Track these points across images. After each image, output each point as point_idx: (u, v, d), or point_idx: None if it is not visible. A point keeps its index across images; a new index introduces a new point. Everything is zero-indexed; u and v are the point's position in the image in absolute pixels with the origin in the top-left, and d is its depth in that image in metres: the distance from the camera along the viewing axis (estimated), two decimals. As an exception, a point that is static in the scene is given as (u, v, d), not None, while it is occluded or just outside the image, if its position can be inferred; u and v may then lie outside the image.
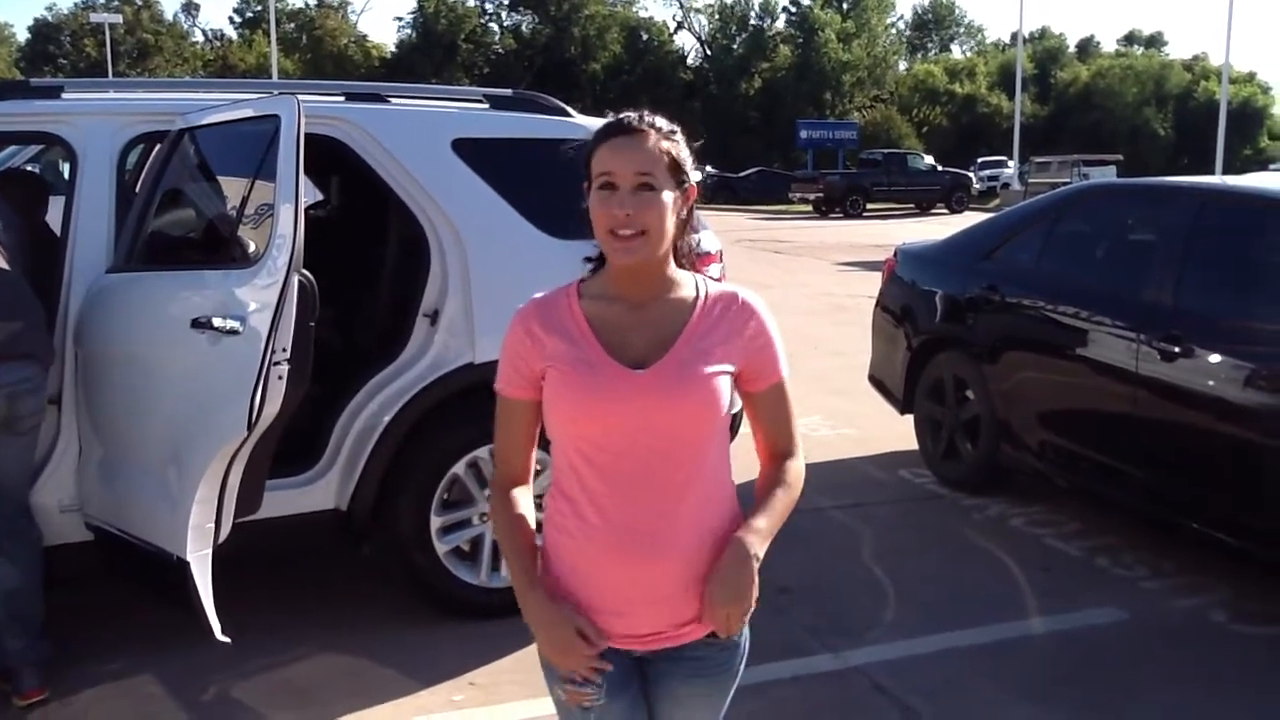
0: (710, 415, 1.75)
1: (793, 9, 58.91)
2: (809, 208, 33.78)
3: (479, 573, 3.93)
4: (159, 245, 3.67)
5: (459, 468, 3.89)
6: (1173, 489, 4.30)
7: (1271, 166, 25.94)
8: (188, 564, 3.11)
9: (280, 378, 3.04)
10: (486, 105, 4.32)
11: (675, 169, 1.71)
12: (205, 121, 3.58)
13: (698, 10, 61.80)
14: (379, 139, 3.85)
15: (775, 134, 51.07)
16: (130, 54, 57.40)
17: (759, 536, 1.73)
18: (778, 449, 1.84)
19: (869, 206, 32.64)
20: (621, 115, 1.73)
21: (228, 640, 3.12)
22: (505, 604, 3.81)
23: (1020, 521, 5.11)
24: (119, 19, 50.48)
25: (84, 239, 3.59)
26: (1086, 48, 68.98)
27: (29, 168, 7.08)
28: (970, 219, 11.78)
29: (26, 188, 4.29)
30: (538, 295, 1.82)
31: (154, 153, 3.97)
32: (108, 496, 3.47)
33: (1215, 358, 4.12)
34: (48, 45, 59.72)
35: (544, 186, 3.94)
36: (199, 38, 64.22)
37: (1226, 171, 29.20)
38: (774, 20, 60.12)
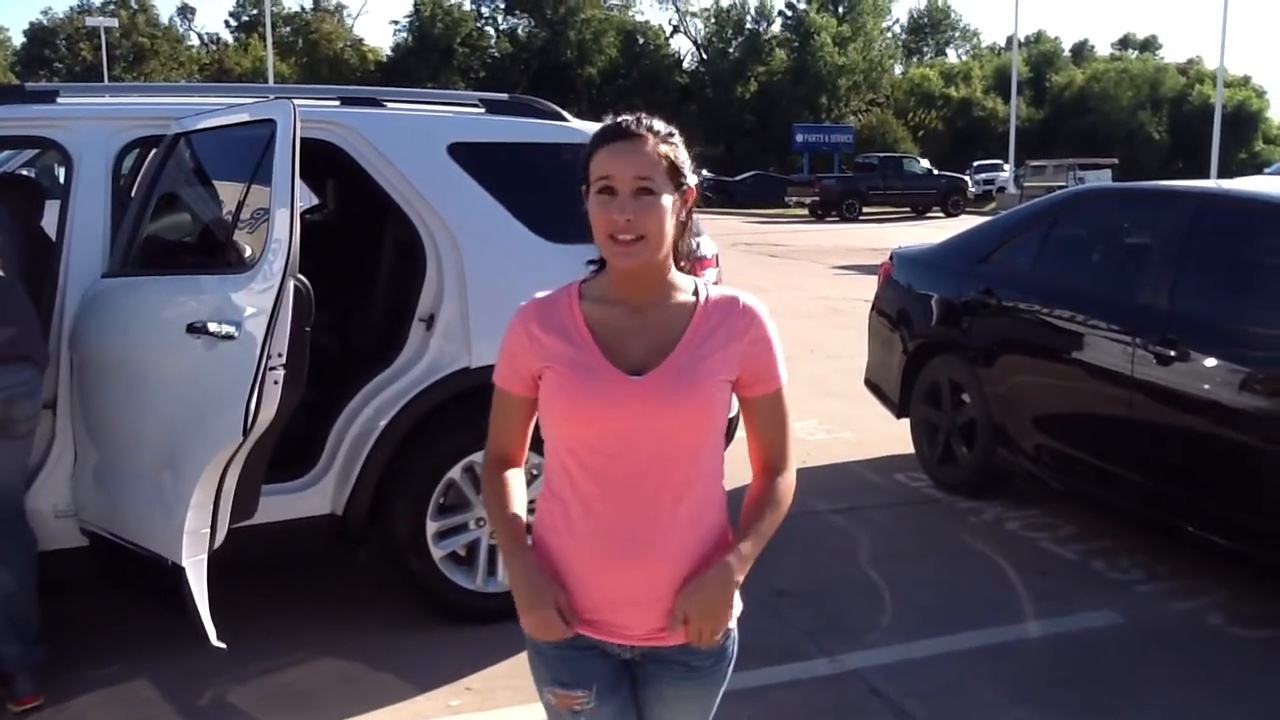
0: (706, 422, 1.75)
1: (788, 13, 59.07)
2: (805, 211, 33.82)
3: (475, 578, 3.92)
4: (154, 250, 3.67)
5: (455, 472, 3.88)
6: (1168, 492, 4.30)
7: (1266, 170, 25.97)
8: (183, 569, 3.10)
9: (276, 383, 3.04)
10: (482, 109, 4.32)
11: (674, 172, 1.71)
12: (201, 126, 3.58)
13: (694, 14, 62.01)
14: (375, 143, 3.84)
15: (771, 138, 51.13)
16: (126, 58, 57.40)
17: (743, 563, 1.74)
18: (770, 460, 1.83)
19: (865, 210, 32.67)
20: (619, 119, 1.73)
21: (223, 645, 3.11)
22: (501, 609, 3.84)
23: (1016, 525, 5.11)
24: (114, 23, 50.53)
25: (79, 243, 3.59)
26: (1081, 51, 69.16)
27: (24, 172, 7.07)
28: (966, 222, 11.79)
29: (23, 192, 4.28)
30: (540, 294, 1.82)
31: (149, 157, 3.96)
32: (103, 501, 3.46)
33: (1210, 361, 4.13)
34: (43, 49, 59.67)
35: (540, 191, 3.94)
36: (195, 42, 64.24)
37: (1221, 175, 29.24)
38: (770, 24, 60.28)
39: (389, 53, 60.01)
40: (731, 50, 59.56)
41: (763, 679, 3.49)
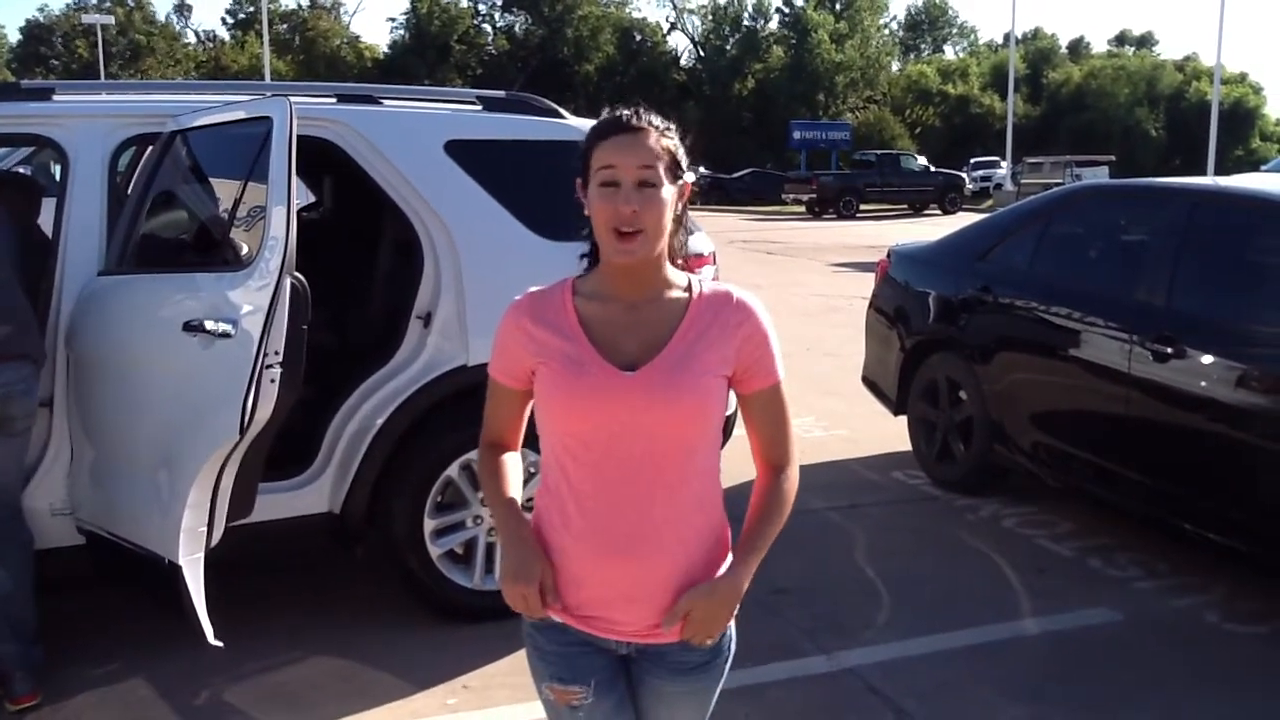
0: (700, 418, 1.75)
1: (786, 10, 58.96)
2: (802, 209, 33.79)
3: (473, 576, 3.92)
4: (151, 248, 3.66)
5: (453, 470, 3.88)
6: (1165, 489, 4.30)
7: (1263, 167, 26.01)
8: (180, 568, 3.10)
9: (273, 381, 3.04)
10: (479, 107, 4.31)
11: (673, 166, 1.71)
12: (197, 123, 3.57)
13: (691, 11, 61.88)
14: (372, 141, 3.84)
15: (768, 135, 51.07)
16: (122, 55, 57.26)
17: (750, 571, 1.76)
18: (772, 457, 1.83)
19: (862, 207, 32.65)
20: (619, 112, 1.72)
21: (220, 644, 3.11)
22: (499, 607, 3.83)
23: (1014, 522, 5.11)
24: (111, 20, 50.37)
25: (76, 241, 3.58)
26: (1078, 48, 69.16)
27: (21, 170, 7.05)
28: (963, 220, 11.80)
29: (20, 190, 4.27)
30: (534, 289, 1.82)
31: (146, 155, 3.95)
32: (100, 500, 3.45)
33: (1207, 359, 4.13)
34: (39, 47, 59.52)
35: (537, 188, 3.93)
36: (191, 39, 64.08)
37: (1218, 172, 29.27)
38: (767, 21, 60.18)
39: (386, 50, 59.91)
40: (729, 47, 59.48)
41: (760, 676, 3.49)
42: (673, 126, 1.74)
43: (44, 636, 3.40)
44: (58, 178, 3.79)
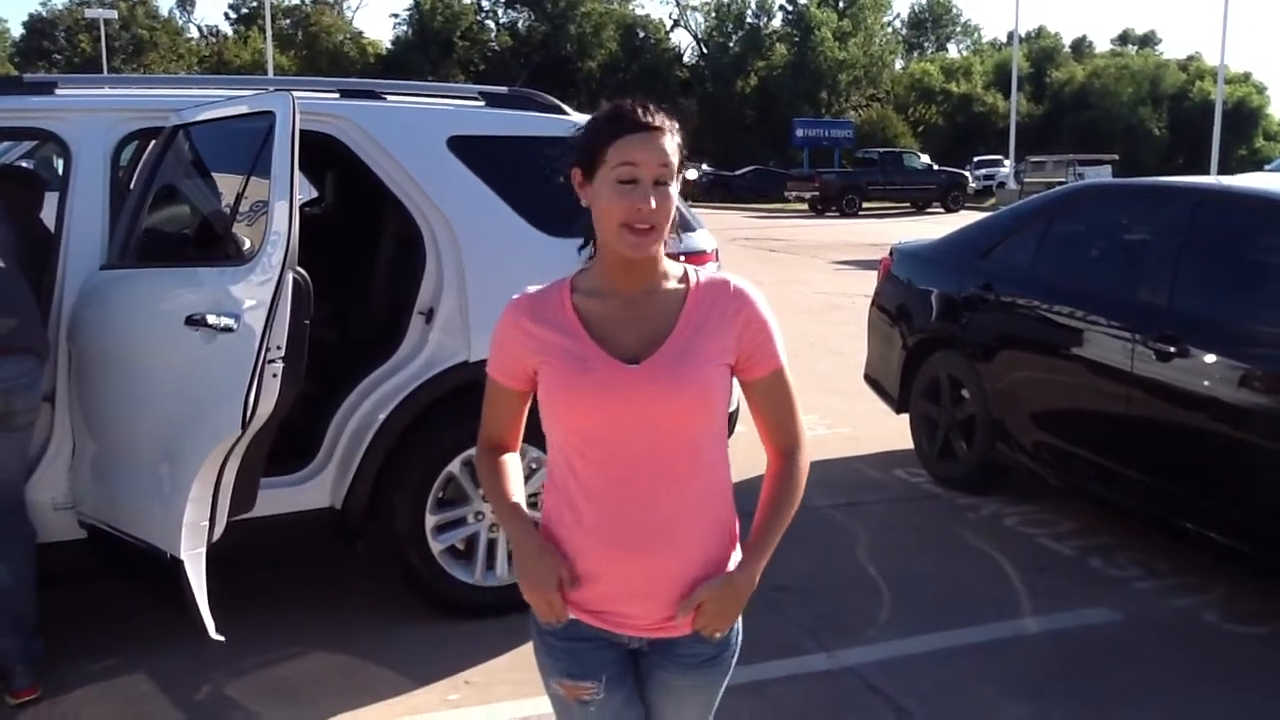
0: (705, 408, 1.75)
1: (789, 7, 58.85)
2: (805, 206, 33.80)
3: (474, 571, 3.92)
4: (153, 242, 3.66)
5: (454, 466, 3.88)
6: (1167, 489, 4.30)
7: (1267, 167, 25.99)
8: (181, 562, 3.10)
9: (275, 375, 3.04)
10: (482, 103, 4.31)
11: (681, 163, 1.73)
12: (200, 118, 3.56)
13: (694, 8, 61.80)
14: (374, 136, 3.83)
15: (771, 132, 51.01)
16: (125, 50, 57.25)
17: (762, 563, 1.77)
18: (780, 442, 1.84)
19: (865, 205, 32.65)
20: (631, 107, 1.70)
21: (221, 639, 3.11)
22: (500, 603, 3.86)
23: (1015, 521, 5.11)
24: (114, 14, 50.29)
25: (78, 235, 3.58)
26: (1080, 47, 69.06)
27: (23, 164, 7.05)
28: (966, 218, 11.80)
29: (23, 184, 4.28)
30: (531, 289, 1.82)
31: (148, 149, 3.95)
32: (101, 494, 3.46)
33: (1210, 358, 4.13)
34: (42, 41, 59.53)
35: (540, 184, 3.93)
36: (194, 34, 64.11)
37: (1222, 171, 29.24)
38: (770, 18, 60.08)
39: (389, 46, 59.85)
40: (732, 44, 59.39)
41: (761, 674, 3.49)
42: (677, 124, 1.74)
43: (44, 630, 3.41)
44: (60, 172, 3.78)
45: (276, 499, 3.64)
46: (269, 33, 40.37)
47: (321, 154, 4.05)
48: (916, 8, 70.85)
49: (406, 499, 3.83)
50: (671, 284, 1.78)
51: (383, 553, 3.97)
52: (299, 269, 3.10)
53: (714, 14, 60.98)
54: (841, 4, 58.98)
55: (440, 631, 3.84)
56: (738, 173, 40.26)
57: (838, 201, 32.45)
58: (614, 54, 58.81)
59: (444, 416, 3.85)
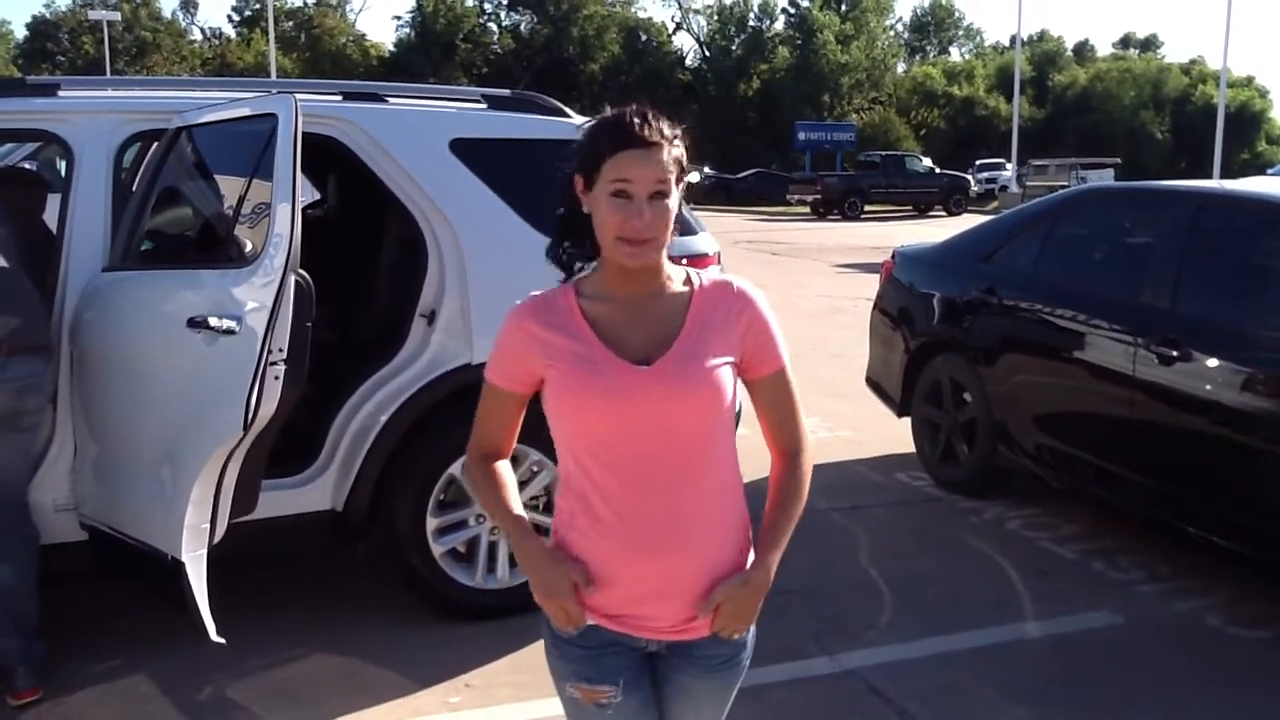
0: (715, 407, 1.75)
1: (791, 10, 58.96)
2: (807, 209, 33.79)
3: (475, 574, 3.92)
4: (156, 243, 3.66)
5: (455, 469, 3.87)
6: (1170, 492, 4.29)
7: (1269, 171, 26.01)
8: (182, 564, 3.10)
9: (277, 378, 3.04)
10: (485, 105, 4.31)
11: (681, 173, 1.73)
12: (202, 120, 3.57)
13: (696, 11, 61.90)
14: (377, 138, 3.84)
15: (773, 135, 51.07)
16: (128, 52, 57.33)
17: (775, 562, 1.78)
18: (784, 442, 1.85)
19: (867, 208, 32.64)
20: (629, 118, 1.69)
21: (222, 641, 3.11)
22: (501, 605, 3.86)
23: (1017, 524, 5.11)
24: (117, 16, 50.36)
25: (80, 237, 3.58)
26: (1082, 51, 69.07)
27: (26, 165, 7.06)
28: (968, 221, 11.78)
29: (25, 186, 4.28)
30: (535, 293, 1.82)
31: (151, 151, 3.96)
32: (103, 496, 3.46)
33: (1212, 362, 4.12)
34: (45, 43, 59.63)
35: (542, 187, 3.89)
36: (197, 36, 64.21)
37: (1224, 175, 29.24)
38: (773, 22, 60.20)
39: (391, 48, 59.95)
40: (734, 48, 59.48)
41: (763, 677, 3.47)
42: (679, 132, 1.73)
43: (46, 632, 3.41)
44: (63, 173, 3.78)
45: (278, 501, 3.64)
46: (272, 35, 40.46)
47: (324, 156, 4.05)
48: (919, 11, 71.04)
49: (408, 501, 3.83)
50: (675, 286, 1.79)
51: (384, 555, 3.97)
52: (301, 271, 3.10)
53: (716, 17, 61.09)
54: (844, 7, 59.04)
55: (441, 634, 3.84)
56: (739, 176, 40.26)
57: (840, 205, 32.44)
58: (616, 57, 58.88)
59: (446, 419, 3.84)
